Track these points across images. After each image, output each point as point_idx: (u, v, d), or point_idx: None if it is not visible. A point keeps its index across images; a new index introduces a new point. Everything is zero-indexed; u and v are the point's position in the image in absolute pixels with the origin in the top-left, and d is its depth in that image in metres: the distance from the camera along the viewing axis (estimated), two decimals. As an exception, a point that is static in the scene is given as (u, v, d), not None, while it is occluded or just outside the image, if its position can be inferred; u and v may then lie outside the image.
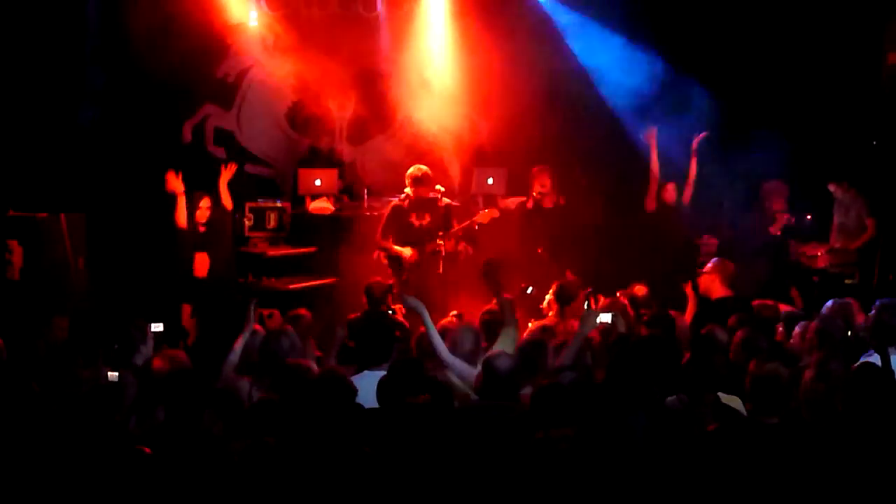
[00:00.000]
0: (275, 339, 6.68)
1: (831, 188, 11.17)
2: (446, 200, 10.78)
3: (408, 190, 10.52)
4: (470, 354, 6.85)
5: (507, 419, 5.65)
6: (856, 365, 5.97)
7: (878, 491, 4.53)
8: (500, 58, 12.02)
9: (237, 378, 6.60)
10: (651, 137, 11.20)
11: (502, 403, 5.81)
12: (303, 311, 7.97)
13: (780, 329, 7.80)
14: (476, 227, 10.85)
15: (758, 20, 11.89)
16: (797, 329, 7.35)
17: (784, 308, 8.49)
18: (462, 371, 6.69)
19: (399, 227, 10.47)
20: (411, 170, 10.58)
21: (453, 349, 6.85)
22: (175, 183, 10.24)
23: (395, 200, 10.70)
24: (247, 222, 11.64)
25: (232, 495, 4.60)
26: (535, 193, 11.17)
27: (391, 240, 10.47)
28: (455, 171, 12.56)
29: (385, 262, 10.53)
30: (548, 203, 11.15)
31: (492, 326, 7.47)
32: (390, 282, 9.26)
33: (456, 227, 10.60)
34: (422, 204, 10.50)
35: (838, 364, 5.83)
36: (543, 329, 7.71)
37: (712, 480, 4.95)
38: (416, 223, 10.48)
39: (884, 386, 5.52)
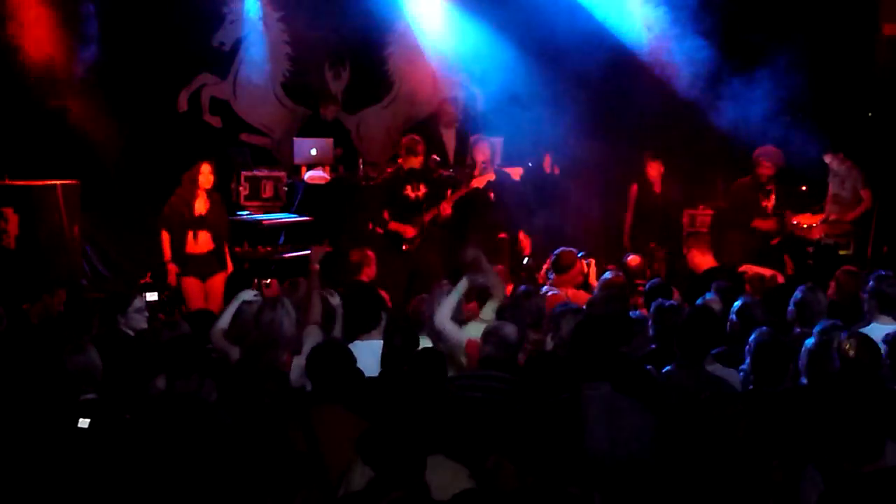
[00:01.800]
0: (270, 309, 6.69)
1: (826, 159, 11.17)
2: (441, 171, 10.70)
3: (400, 160, 10.42)
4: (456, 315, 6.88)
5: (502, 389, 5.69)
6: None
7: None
8: (498, 24, 12.03)
9: (228, 345, 6.60)
10: None
11: (499, 374, 5.85)
12: (301, 279, 7.96)
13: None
14: (473, 193, 10.80)
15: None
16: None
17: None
18: (453, 336, 6.71)
19: (394, 200, 10.24)
20: (404, 140, 10.45)
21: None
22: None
23: (386, 174, 10.57)
24: (242, 191, 11.61)
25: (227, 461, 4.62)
26: (480, 165, 10.83)
27: (386, 215, 10.28)
28: (450, 140, 12.52)
29: (381, 232, 10.43)
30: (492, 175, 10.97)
31: (483, 294, 7.46)
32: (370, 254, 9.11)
33: (454, 194, 10.50)
34: (416, 174, 10.31)
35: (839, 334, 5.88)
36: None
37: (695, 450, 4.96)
38: (412, 195, 10.28)
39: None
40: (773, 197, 10.69)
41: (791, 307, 6.94)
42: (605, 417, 5.01)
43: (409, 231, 10.20)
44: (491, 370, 5.91)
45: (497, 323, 6.26)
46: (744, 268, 8.94)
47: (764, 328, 5.92)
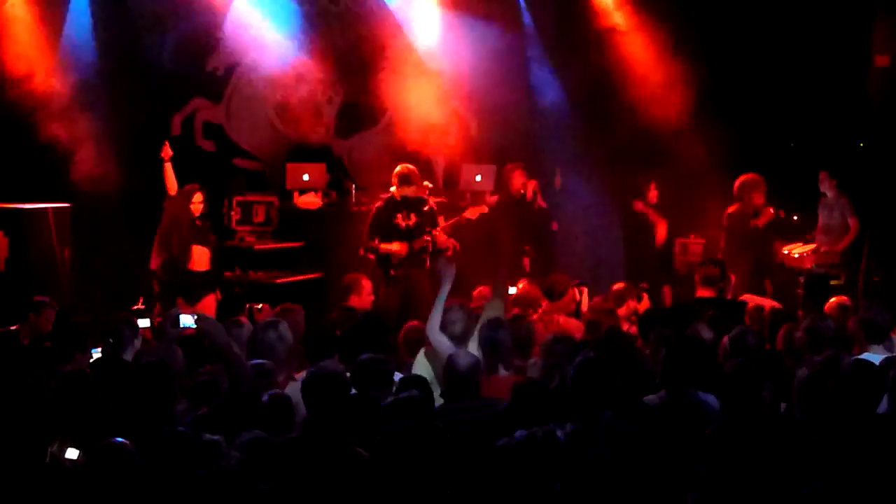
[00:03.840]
0: (262, 332, 6.66)
1: (821, 176, 11.17)
2: (432, 198, 10.70)
3: (393, 189, 10.42)
4: (460, 336, 6.83)
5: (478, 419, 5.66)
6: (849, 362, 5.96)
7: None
8: (490, 53, 12.06)
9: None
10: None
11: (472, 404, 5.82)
12: (294, 306, 7.96)
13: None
14: (464, 223, 10.86)
15: (748, 19, 11.94)
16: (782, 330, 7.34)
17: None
18: (443, 349, 6.66)
19: (385, 227, 10.31)
20: (398, 168, 10.46)
21: (443, 328, 6.85)
22: (166, 150, 10.24)
23: (379, 201, 10.59)
24: (234, 216, 11.61)
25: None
26: (515, 191, 11.07)
27: (377, 240, 10.30)
28: (440, 168, 12.52)
29: (372, 258, 10.44)
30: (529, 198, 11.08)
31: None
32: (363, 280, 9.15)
33: (444, 223, 10.54)
34: (408, 203, 10.37)
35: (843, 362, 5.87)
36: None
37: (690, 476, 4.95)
38: (403, 223, 10.32)
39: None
40: (763, 220, 10.72)
41: (801, 334, 6.92)
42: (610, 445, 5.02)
43: (399, 248, 10.19)
44: (458, 402, 5.87)
45: (451, 354, 6.21)
46: (744, 297, 8.91)
47: (739, 357, 5.91)
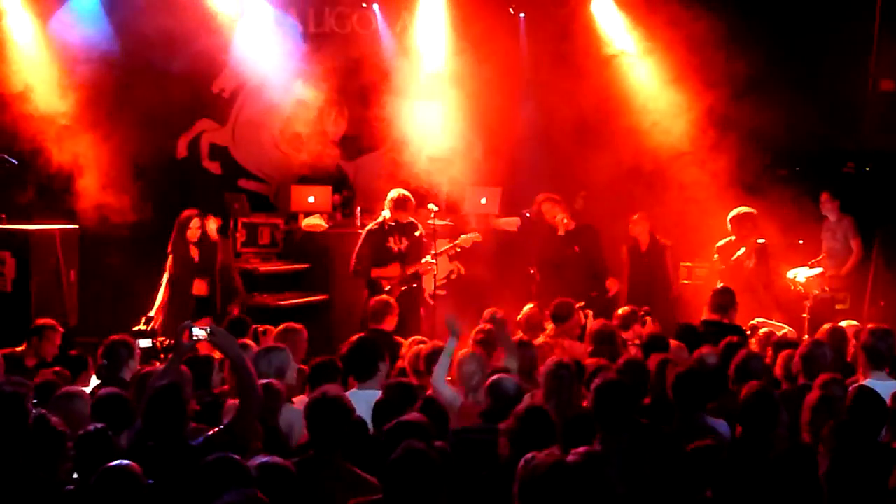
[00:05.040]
0: (258, 359, 6.67)
1: (823, 198, 11.16)
2: (433, 223, 10.68)
3: (386, 213, 10.41)
4: (477, 386, 6.74)
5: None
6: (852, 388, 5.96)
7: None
8: (498, 76, 12.11)
9: None
10: None
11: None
12: (297, 326, 7.97)
13: (770, 353, 7.81)
14: (457, 251, 10.87)
15: (750, 43, 11.98)
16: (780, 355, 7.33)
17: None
18: (448, 399, 6.66)
19: (376, 251, 10.33)
20: (392, 193, 10.45)
21: (460, 381, 6.78)
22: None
23: (371, 224, 10.60)
24: (239, 237, 11.62)
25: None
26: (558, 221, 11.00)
27: (368, 264, 10.32)
28: (445, 190, 12.53)
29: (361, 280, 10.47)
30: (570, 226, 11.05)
31: (485, 346, 7.45)
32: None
33: (438, 251, 10.54)
34: (400, 228, 10.40)
35: (838, 388, 5.88)
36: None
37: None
38: (395, 248, 10.36)
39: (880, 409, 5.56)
40: (754, 256, 10.63)
41: (797, 360, 6.92)
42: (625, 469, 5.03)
43: (392, 271, 10.22)
44: (494, 423, 5.88)
45: (497, 377, 6.25)
46: (757, 322, 8.87)
47: (753, 381, 5.92)
